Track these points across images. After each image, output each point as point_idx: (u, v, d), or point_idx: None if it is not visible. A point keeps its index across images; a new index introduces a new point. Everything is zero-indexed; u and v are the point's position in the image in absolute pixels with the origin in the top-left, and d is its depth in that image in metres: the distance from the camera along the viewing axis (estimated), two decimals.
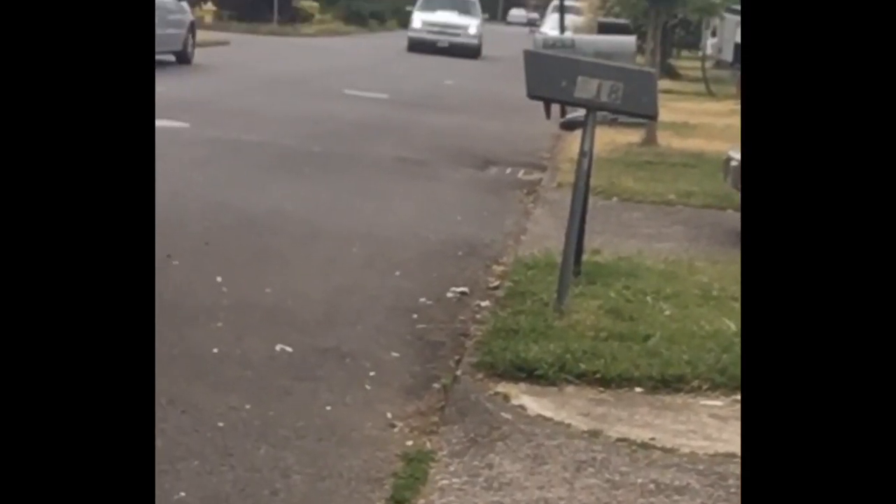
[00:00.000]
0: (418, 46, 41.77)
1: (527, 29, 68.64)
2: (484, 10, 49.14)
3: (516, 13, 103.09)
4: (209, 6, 46.08)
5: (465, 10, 44.68)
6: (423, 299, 7.91)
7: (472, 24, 43.60)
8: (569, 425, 5.48)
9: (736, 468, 5.00)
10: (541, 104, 8.61)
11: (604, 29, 10.34)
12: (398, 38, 44.94)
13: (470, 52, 41.99)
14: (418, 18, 43.66)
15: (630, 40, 9.50)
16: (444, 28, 42.73)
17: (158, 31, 24.53)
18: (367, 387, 6.13)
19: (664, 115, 14.42)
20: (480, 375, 6.09)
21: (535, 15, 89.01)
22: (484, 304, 7.76)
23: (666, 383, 6.06)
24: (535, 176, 14.25)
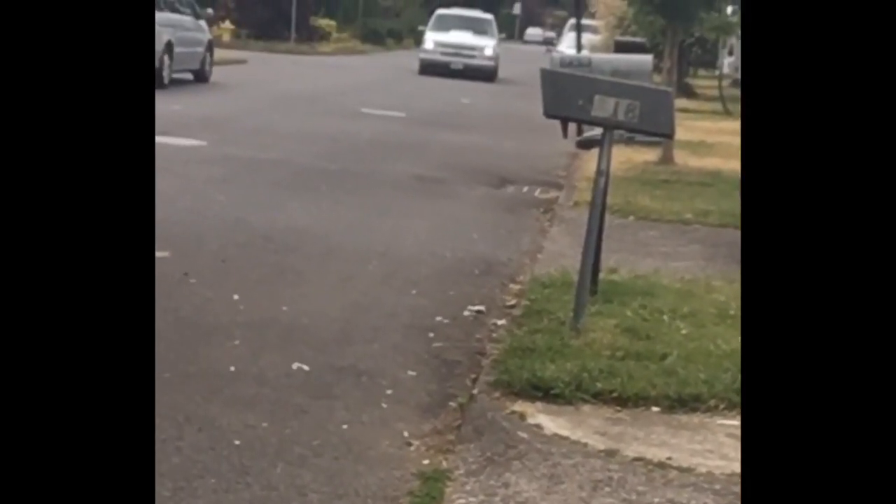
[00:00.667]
0: (430, 69, 39.58)
1: (543, 48, 68.68)
2: (501, 28, 48.61)
3: (533, 32, 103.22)
4: (227, 25, 46.28)
5: (480, 29, 42.57)
6: (439, 318, 7.91)
7: (488, 45, 41.28)
8: (585, 444, 5.47)
9: None
10: (557, 123, 8.60)
11: (620, 48, 10.36)
12: (414, 57, 43.67)
13: (485, 74, 39.81)
14: (430, 39, 41.37)
15: (647, 59, 9.49)
16: (459, 49, 40.53)
17: (177, 49, 24.67)
18: (384, 405, 6.13)
19: (681, 134, 14.42)
20: (497, 394, 6.09)
21: (551, 34, 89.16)
22: (500, 322, 7.75)
23: (682, 402, 6.04)
24: (552, 194, 14.25)
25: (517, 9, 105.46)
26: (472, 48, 40.83)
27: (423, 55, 40.90)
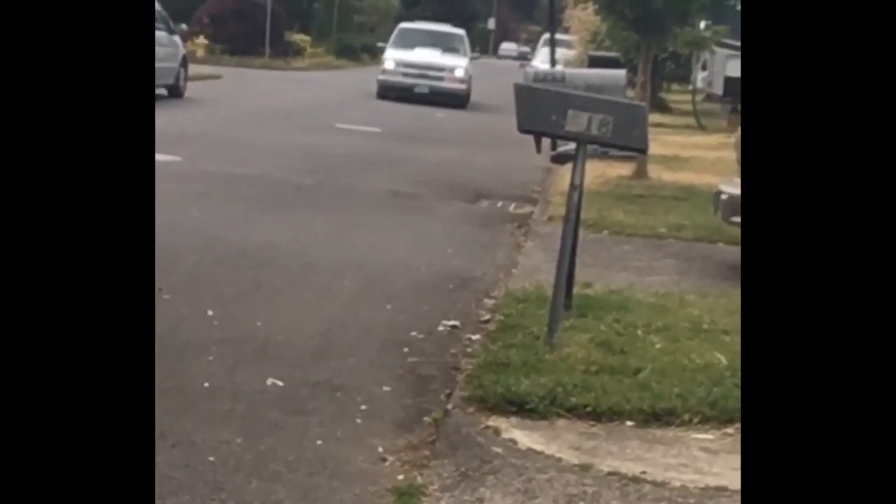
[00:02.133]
0: (390, 93, 33.48)
1: (518, 63, 68.84)
2: (474, 43, 46.93)
3: (507, 47, 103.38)
4: (201, 40, 46.20)
5: (450, 47, 36.37)
6: (414, 333, 7.92)
7: (458, 66, 34.87)
8: (559, 459, 5.48)
9: (728, 501, 5.01)
10: (532, 137, 8.63)
11: (594, 62, 10.37)
12: None
13: (456, 100, 33.64)
14: (391, 58, 34.83)
15: (620, 74, 9.53)
16: (424, 70, 34.10)
17: None
18: (359, 420, 6.13)
19: (654, 149, 14.48)
20: (471, 409, 6.09)
21: (526, 48, 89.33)
22: (475, 337, 7.76)
23: (657, 417, 6.06)
24: (526, 209, 14.28)
25: (491, 23, 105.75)
26: (441, 69, 34.43)
27: (381, 77, 34.35)
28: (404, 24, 38.93)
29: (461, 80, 34.50)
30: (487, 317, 8.36)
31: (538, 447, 5.61)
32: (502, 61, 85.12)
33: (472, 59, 36.72)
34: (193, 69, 30.65)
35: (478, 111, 30.31)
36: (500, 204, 14.85)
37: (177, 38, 27.97)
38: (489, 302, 8.97)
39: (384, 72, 34.47)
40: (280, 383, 6.58)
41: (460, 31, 38.40)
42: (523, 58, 72.43)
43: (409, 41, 36.13)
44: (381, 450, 5.72)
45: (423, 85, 33.78)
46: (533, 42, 75.90)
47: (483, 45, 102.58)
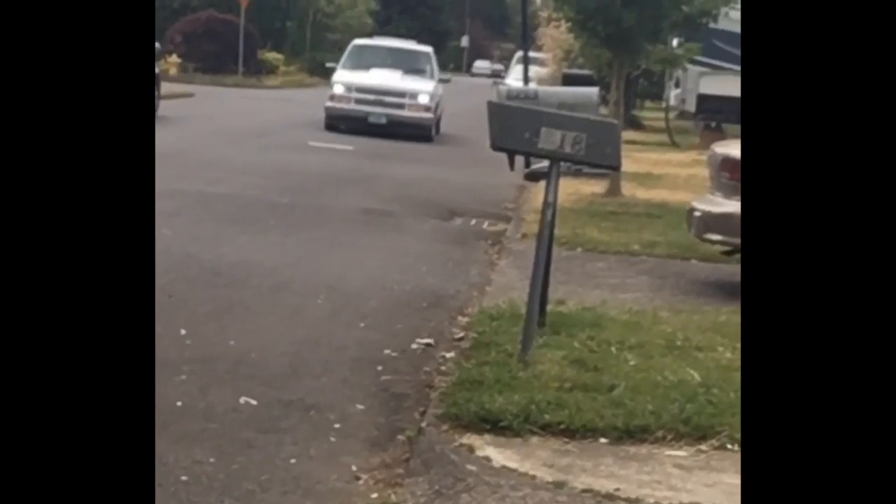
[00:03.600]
0: (339, 122, 27.52)
1: (491, 80, 69.00)
2: (447, 61, 44.97)
3: (481, 64, 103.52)
4: (174, 58, 46.20)
5: (414, 67, 29.80)
6: (388, 351, 7.90)
7: (422, 91, 28.35)
8: (533, 476, 5.47)
9: None
10: (505, 155, 8.64)
11: (568, 80, 10.43)
12: None
13: (419, 131, 27.47)
14: (341, 81, 28.47)
15: (593, 91, 9.56)
16: (381, 95, 27.70)
17: None
18: (332, 439, 6.11)
19: (628, 166, 14.50)
20: (445, 427, 6.08)
21: (499, 66, 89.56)
22: (449, 355, 7.75)
23: (630, 434, 6.06)
24: (500, 227, 14.29)
25: (465, 41, 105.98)
26: (401, 94, 27.99)
27: (329, 104, 28.09)
28: (359, 41, 32.61)
29: (426, 108, 28.04)
30: (461, 334, 8.35)
31: (512, 465, 5.61)
32: (476, 79, 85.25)
33: (442, 81, 30.72)
34: (166, 87, 30.61)
35: (450, 128, 30.02)
36: (473, 221, 14.86)
37: None
38: (463, 320, 8.96)
39: (332, 98, 28.03)
40: (253, 402, 6.56)
41: (426, 49, 31.64)
42: (497, 75, 72.62)
43: (365, 61, 29.62)
44: (354, 468, 5.71)
45: (378, 114, 27.42)
46: (506, 60, 76.15)
47: (457, 62, 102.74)
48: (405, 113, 27.67)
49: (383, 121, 27.30)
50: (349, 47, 31.38)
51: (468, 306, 9.49)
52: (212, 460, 5.61)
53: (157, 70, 28.31)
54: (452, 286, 10.38)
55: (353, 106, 27.64)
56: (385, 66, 29.16)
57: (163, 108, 27.99)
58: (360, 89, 27.77)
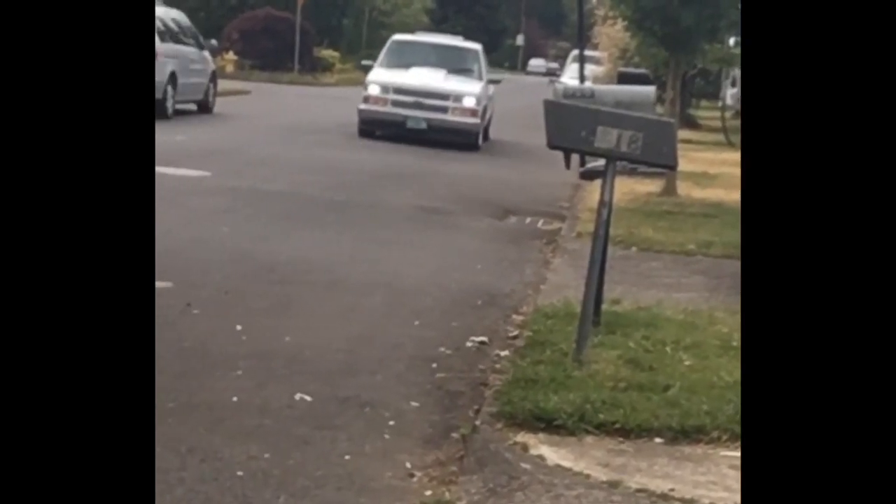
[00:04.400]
0: (373, 127, 24.56)
1: (546, 79, 68.88)
2: (502, 59, 44.15)
3: (536, 63, 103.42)
4: (231, 56, 46.39)
5: (459, 66, 26.28)
6: (442, 348, 7.91)
7: (468, 92, 24.98)
8: (588, 476, 5.46)
9: None
10: (560, 153, 8.62)
11: (623, 79, 10.35)
12: None
13: (464, 137, 24.45)
14: (376, 81, 25.10)
15: (649, 90, 9.51)
16: (421, 97, 24.43)
17: (181, 80, 24.74)
18: (387, 436, 6.12)
19: (684, 165, 14.41)
20: (500, 425, 6.09)
21: (554, 64, 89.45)
22: (503, 353, 7.75)
23: (685, 434, 6.04)
24: (555, 225, 14.27)
25: (520, 40, 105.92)
26: (444, 96, 24.71)
27: (363, 106, 24.76)
28: (398, 37, 28.70)
29: (472, 112, 24.64)
30: (516, 333, 8.35)
31: (566, 464, 5.60)
32: (531, 77, 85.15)
33: (492, 82, 27.25)
34: (222, 85, 30.76)
35: (506, 127, 29.69)
36: (528, 220, 14.85)
37: (206, 54, 28.08)
38: (517, 318, 8.96)
39: (366, 100, 24.73)
40: (308, 398, 6.58)
41: (474, 46, 27.78)
42: (552, 74, 72.51)
43: (405, 59, 26.06)
44: (408, 465, 5.72)
45: (417, 118, 24.20)
46: (561, 58, 76.07)
47: (512, 61, 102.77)
48: (448, 117, 24.39)
49: (423, 126, 24.11)
50: (388, 43, 27.56)
51: (523, 305, 9.48)
52: (267, 456, 5.64)
53: (213, 67, 28.49)
54: (507, 284, 10.38)
55: (389, 109, 24.40)
56: (427, 64, 25.71)
57: (219, 104, 28.21)
58: (398, 90, 24.56)
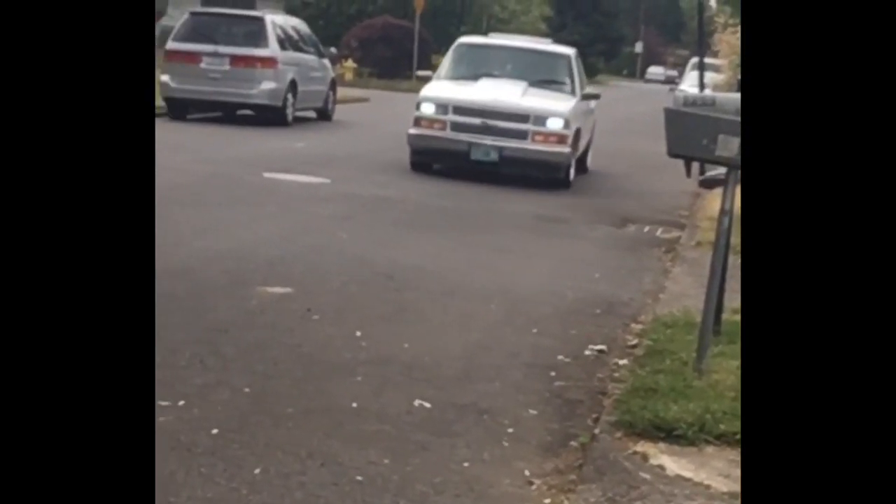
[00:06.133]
0: (427, 157, 18.72)
1: (665, 86, 68.50)
2: (621, 67, 44.06)
3: (654, 70, 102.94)
4: (349, 63, 46.78)
5: (544, 76, 19.50)
6: (560, 357, 7.89)
7: (556, 111, 18.27)
8: (708, 486, 5.41)
9: None
10: (680, 162, 8.56)
11: None
12: None
13: (548, 171, 18.11)
14: (432, 96, 18.80)
15: None
16: (492, 118, 18.05)
17: (301, 87, 25.00)
18: (505, 443, 6.12)
19: None
20: (619, 434, 6.05)
21: (673, 72, 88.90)
22: (622, 362, 7.71)
23: None
24: (674, 234, 14.17)
25: (639, 47, 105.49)
26: (522, 116, 18.16)
27: (413, 131, 18.55)
28: (466, 39, 21.78)
29: (559, 138, 18.03)
30: (635, 342, 8.30)
31: (687, 474, 5.55)
32: (649, 85, 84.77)
33: (588, 97, 20.19)
34: (341, 92, 31.02)
35: (623, 134, 29.33)
36: (647, 228, 14.76)
37: (326, 62, 28.32)
38: (636, 327, 8.91)
39: (418, 122, 18.49)
40: (427, 405, 6.60)
41: (566, 51, 20.58)
42: (671, 81, 72.04)
43: (474, 67, 19.86)
44: (527, 473, 5.71)
45: (485, 147, 17.92)
46: (680, 66, 75.55)
47: (630, 68, 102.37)
48: (528, 146, 17.97)
49: (493, 157, 17.93)
50: (452, 47, 20.91)
51: (641, 313, 9.42)
52: (386, 461, 5.66)
53: (333, 75, 28.73)
54: (625, 293, 10.32)
55: (447, 134, 18.13)
56: (502, 74, 19.51)
57: (338, 112, 28.44)
58: (461, 109, 18.22)
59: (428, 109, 18.43)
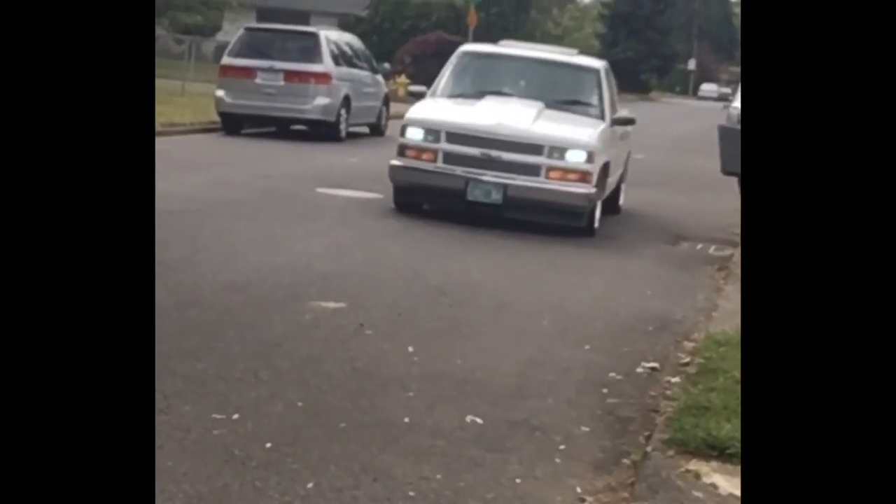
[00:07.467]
0: (414, 196, 14.98)
1: (718, 104, 68.25)
2: (674, 83, 43.89)
3: (708, 88, 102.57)
4: (402, 79, 46.87)
5: (565, 95, 15.78)
6: (613, 374, 7.88)
7: (577, 140, 14.32)
8: None
9: None
10: (734, 179, 8.56)
11: None
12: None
13: (565, 217, 14.29)
14: (419, 118, 14.91)
15: None
16: (495, 148, 14.24)
17: (354, 103, 25.11)
18: (557, 460, 6.12)
19: None
20: (671, 452, 6.04)
21: (727, 89, 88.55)
22: (675, 380, 7.70)
23: None
24: (727, 252, 14.11)
25: (692, 64, 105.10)
26: (534, 146, 14.33)
27: (395, 162, 14.82)
28: (468, 47, 17.99)
29: (581, 175, 14.27)
30: (687, 360, 8.28)
31: (739, 493, 5.54)
32: (702, 102, 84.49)
33: (620, 122, 15.91)
34: (394, 108, 31.07)
35: (677, 152, 29.05)
36: (699, 246, 14.71)
37: (380, 78, 28.43)
38: (689, 345, 8.89)
39: (402, 151, 14.82)
40: (479, 421, 6.61)
41: (594, 64, 16.49)
42: (724, 99, 71.67)
43: (479, 83, 16.24)
44: (579, 490, 5.71)
45: (486, 184, 14.28)
46: (734, 83, 75.25)
47: (683, 85, 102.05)
48: (540, 184, 14.23)
49: (495, 197, 14.24)
50: (453, 57, 17.05)
51: (694, 331, 9.40)
52: (439, 477, 5.68)
53: (385, 90, 28.82)
54: (678, 310, 10.30)
55: (438, 167, 14.47)
56: (513, 92, 15.84)
57: (391, 127, 28.41)
58: (456, 136, 14.51)
59: (415, 135, 14.66)
